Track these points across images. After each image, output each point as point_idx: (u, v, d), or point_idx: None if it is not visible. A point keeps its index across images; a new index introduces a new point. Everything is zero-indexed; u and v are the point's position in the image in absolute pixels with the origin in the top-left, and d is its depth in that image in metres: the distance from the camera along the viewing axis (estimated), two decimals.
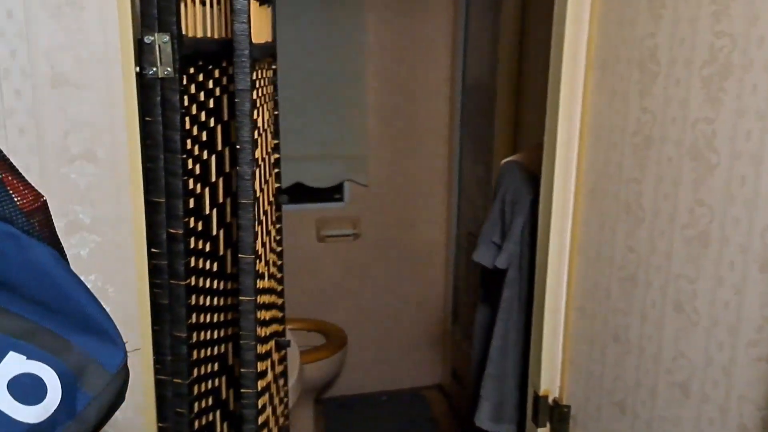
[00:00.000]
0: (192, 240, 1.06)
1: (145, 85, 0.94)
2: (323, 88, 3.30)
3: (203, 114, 1.08)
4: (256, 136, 1.25)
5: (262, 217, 1.22)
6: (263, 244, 1.23)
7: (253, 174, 0.97)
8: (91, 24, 0.91)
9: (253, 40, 1.18)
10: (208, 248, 1.13)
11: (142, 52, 0.93)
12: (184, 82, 0.99)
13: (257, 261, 1.03)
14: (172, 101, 0.94)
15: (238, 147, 0.95)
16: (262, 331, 1.19)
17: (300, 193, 3.46)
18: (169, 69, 0.93)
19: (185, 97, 1.00)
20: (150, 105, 0.95)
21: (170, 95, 0.94)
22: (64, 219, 1.01)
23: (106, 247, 1.03)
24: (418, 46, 3.36)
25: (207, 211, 1.12)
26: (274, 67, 1.48)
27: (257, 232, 1.07)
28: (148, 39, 0.91)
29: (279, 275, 1.60)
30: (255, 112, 1.15)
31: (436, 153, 3.50)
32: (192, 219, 1.06)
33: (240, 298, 0.99)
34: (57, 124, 0.94)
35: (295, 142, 3.33)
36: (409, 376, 3.77)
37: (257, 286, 1.02)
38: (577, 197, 1.23)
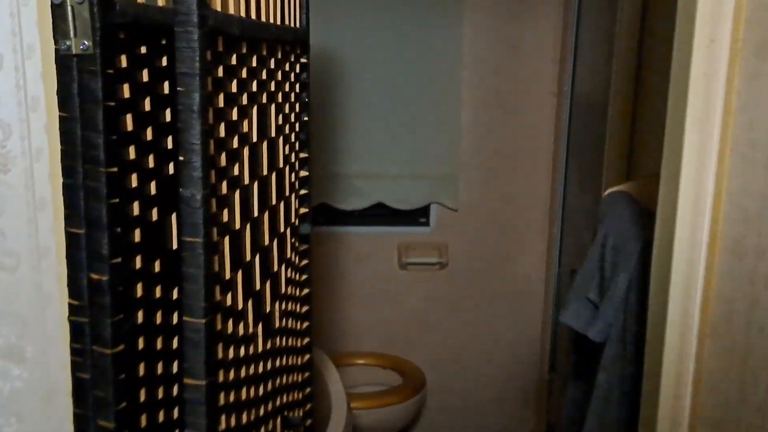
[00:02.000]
0: (139, 288, 0.76)
1: (59, 65, 0.66)
2: (411, 99, 2.98)
3: (167, 113, 0.78)
4: (252, 139, 0.94)
5: (262, 256, 0.91)
6: (272, 296, 0.92)
7: (205, 199, 0.65)
8: None
9: (242, 12, 0.88)
10: (172, 297, 0.82)
11: (55, 19, 0.64)
12: (123, 63, 0.69)
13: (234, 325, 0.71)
14: (91, 89, 0.65)
15: (180, 158, 0.64)
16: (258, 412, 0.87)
17: (381, 214, 3.15)
18: (86, 42, 0.64)
19: (125, 86, 0.70)
20: (65, 94, 0.66)
21: (88, 80, 0.65)
22: None
23: (20, 290, 0.76)
24: (520, 55, 2.97)
25: (174, 246, 0.82)
26: (303, 60, 1.17)
27: (231, 281, 0.75)
28: None
29: (301, 326, 1.26)
30: (238, 110, 0.84)
31: (537, 177, 3.08)
32: (139, 258, 0.75)
33: (184, 380, 0.67)
34: None
35: (377, 158, 3.03)
36: (497, 428, 3.32)
37: (238, 355, 0.71)
38: (713, 249, 0.82)
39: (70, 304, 0.72)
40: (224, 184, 0.78)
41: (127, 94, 0.71)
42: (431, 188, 3.09)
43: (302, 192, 1.17)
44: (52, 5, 0.64)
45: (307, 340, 1.33)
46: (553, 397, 3.08)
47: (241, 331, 0.84)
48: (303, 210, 1.18)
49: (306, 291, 1.31)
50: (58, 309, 0.74)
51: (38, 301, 0.74)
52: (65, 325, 0.73)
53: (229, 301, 0.80)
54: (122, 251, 0.73)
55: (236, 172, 0.82)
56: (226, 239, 0.79)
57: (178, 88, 0.64)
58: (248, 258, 0.87)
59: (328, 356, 2.21)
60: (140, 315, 0.78)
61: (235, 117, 0.81)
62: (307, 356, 1.26)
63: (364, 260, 3.18)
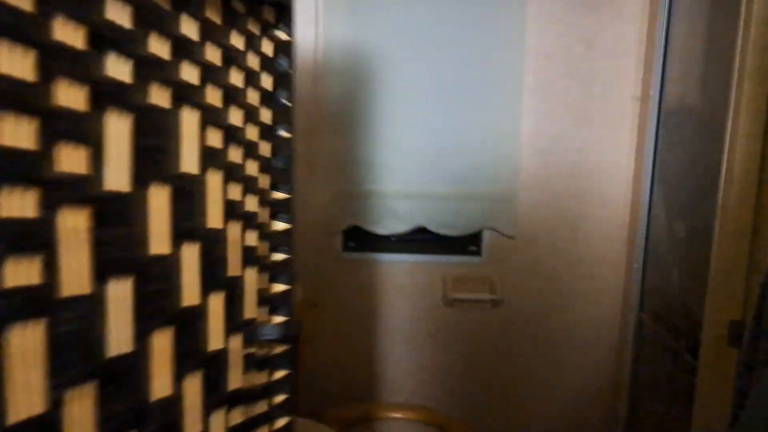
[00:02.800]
0: None
1: None
2: (461, 106, 2.49)
3: None
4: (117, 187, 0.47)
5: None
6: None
7: None
8: None
9: None
10: None
11: None
12: None
13: None
14: None
15: None
16: None
17: (424, 240, 2.67)
18: None
19: None
20: None
21: None
22: None
23: None
24: (595, 53, 2.44)
25: None
26: (280, 35, 0.70)
27: None
28: None
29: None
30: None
31: (613, 200, 2.54)
32: None
33: None
34: None
35: (419, 175, 2.56)
36: None
37: None
38: None
39: None
40: None
41: None
42: (484, 212, 2.59)
43: (278, 257, 0.70)
44: None
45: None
46: None
47: None
48: (280, 287, 0.70)
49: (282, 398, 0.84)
50: None
51: None
52: None
53: None
54: None
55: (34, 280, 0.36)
56: None
57: None
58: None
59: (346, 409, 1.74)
60: None
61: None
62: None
63: (404, 294, 2.70)
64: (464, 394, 2.74)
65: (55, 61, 0.39)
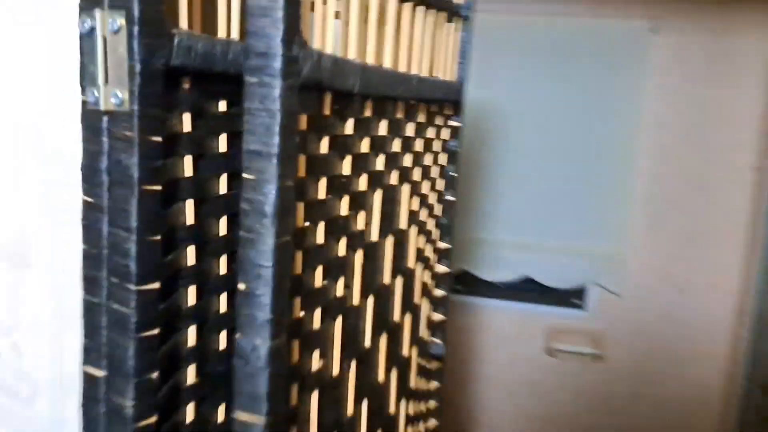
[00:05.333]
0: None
1: (84, 126, 0.44)
2: (575, 163, 2.61)
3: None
4: (371, 237, 0.67)
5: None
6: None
7: (275, 354, 0.39)
8: None
9: (368, 59, 0.62)
10: None
11: (82, 57, 0.42)
12: (184, 127, 0.46)
13: None
14: (124, 164, 0.42)
15: (240, 286, 0.39)
16: None
17: (529, 290, 2.78)
18: (120, 93, 0.41)
19: (184, 161, 0.47)
20: (90, 169, 0.44)
21: (121, 152, 0.42)
22: None
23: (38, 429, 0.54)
24: (714, 122, 2.50)
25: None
26: (454, 123, 0.89)
27: None
28: (84, 23, 0.41)
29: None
30: (351, 199, 0.58)
31: (725, 266, 2.55)
32: (191, 409, 0.51)
33: None
34: None
35: (530, 227, 2.68)
36: None
37: None
38: None
39: None
40: (317, 313, 0.52)
41: (188, 171, 0.47)
42: (591, 267, 2.67)
43: (438, 294, 0.88)
44: (80, 36, 0.42)
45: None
46: None
47: None
48: (438, 318, 0.89)
49: (432, 405, 1.01)
50: None
51: None
52: None
53: None
54: (157, 405, 0.48)
55: (338, 292, 0.56)
56: (314, 397, 0.53)
57: (244, 175, 0.40)
58: (350, 413, 0.60)
59: None
60: None
61: (344, 212, 0.55)
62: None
63: (507, 340, 2.81)
64: None
65: (358, 161, 0.59)
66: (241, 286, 0.41)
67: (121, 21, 0.40)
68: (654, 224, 2.59)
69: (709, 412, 2.63)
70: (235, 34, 0.51)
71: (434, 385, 0.91)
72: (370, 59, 0.56)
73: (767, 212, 2.41)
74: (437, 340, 0.89)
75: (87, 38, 0.41)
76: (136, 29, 0.40)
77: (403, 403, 0.76)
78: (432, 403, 0.92)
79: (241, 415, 0.41)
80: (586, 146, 2.60)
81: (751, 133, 2.49)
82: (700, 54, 2.48)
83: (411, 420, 0.83)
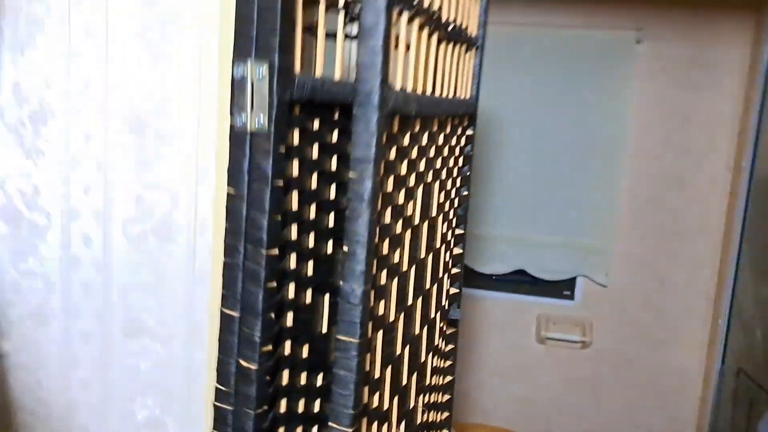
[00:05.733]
0: (285, 375, 0.70)
1: (232, 141, 0.63)
2: (565, 164, 2.82)
3: (331, 190, 0.73)
4: (415, 221, 0.87)
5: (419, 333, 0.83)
6: (416, 391, 0.83)
7: (366, 295, 0.59)
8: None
9: (419, 88, 0.82)
10: (316, 384, 0.76)
11: (233, 93, 0.61)
12: (294, 140, 0.65)
13: None
14: (261, 167, 0.61)
15: (345, 250, 0.58)
16: None
17: (521, 281, 2.98)
18: (262, 118, 0.60)
19: (294, 164, 0.66)
20: (235, 171, 0.63)
21: (260, 158, 0.61)
22: (126, 315, 0.73)
23: (172, 364, 0.73)
24: (693, 125, 2.72)
25: (323, 330, 0.76)
26: (469, 132, 1.10)
27: (380, 380, 0.67)
28: (238, 72, 0.60)
29: (441, 398, 1.15)
30: (405, 192, 0.77)
31: (703, 259, 2.77)
32: (288, 344, 0.70)
33: None
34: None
35: (523, 222, 2.89)
36: None
37: None
38: None
39: (216, 389, 0.68)
40: (384, 273, 0.72)
41: (295, 172, 0.67)
42: (580, 260, 2.89)
43: (455, 271, 1.08)
44: (233, 80, 0.61)
45: (446, 414, 1.22)
46: None
47: None
48: (454, 291, 1.09)
49: (449, 363, 1.22)
50: (204, 390, 0.70)
51: (186, 378, 0.71)
52: (210, 408, 0.68)
53: (375, 402, 0.73)
54: (273, 337, 0.67)
55: (396, 259, 0.75)
56: (380, 334, 0.72)
57: (351, 174, 0.59)
58: (398, 351, 0.80)
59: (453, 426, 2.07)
60: (283, 403, 0.72)
61: (401, 201, 0.75)
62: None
63: (500, 328, 3.02)
64: (552, 426, 2.99)
65: (410, 165, 0.80)
66: (346, 248, 0.60)
67: (264, 69, 0.60)
68: (637, 220, 2.81)
69: (688, 393, 2.85)
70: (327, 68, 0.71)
71: (450, 346, 1.11)
72: (418, 84, 0.75)
73: (742, 209, 2.63)
74: (454, 308, 1.09)
75: (238, 81, 0.61)
76: (276, 75, 0.59)
77: (430, 356, 0.96)
78: (448, 362, 1.12)
79: (342, 338, 0.61)
80: (576, 147, 2.80)
81: (727, 135, 2.70)
82: (681, 62, 2.70)
83: (434, 372, 1.03)
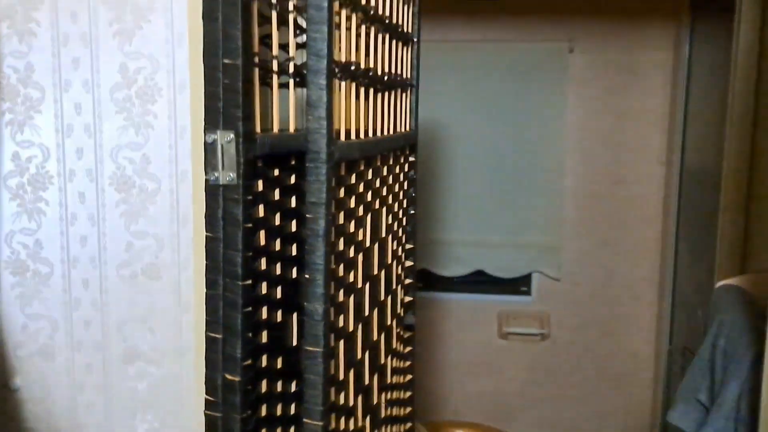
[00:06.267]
0: (263, 384, 0.84)
1: (207, 193, 0.76)
2: (513, 169, 3.01)
3: (292, 225, 0.87)
4: (366, 244, 1.02)
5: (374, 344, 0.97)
6: (379, 389, 0.97)
7: (326, 312, 0.72)
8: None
9: (362, 132, 0.96)
10: (290, 391, 0.90)
11: (206, 154, 0.75)
12: (259, 187, 0.79)
13: None
14: (233, 214, 0.74)
15: (306, 277, 0.72)
16: None
17: (481, 282, 3.16)
18: (231, 174, 0.74)
19: (260, 207, 0.79)
20: (211, 218, 0.76)
21: (231, 206, 0.74)
22: (123, 345, 0.85)
23: (165, 382, 0.86)
24: (626, 123, 2.94)
25: (293, 343, 0.90)
26: (411, 159, 1.25)
27: (344, 381, 0.81)
28: (209, 138, 0.73)
29: (404, 396, 1.30)
30: (355, 222, 0.92)
31: (645, 248, 2.99)
32: (265, 357, 0.83)
33: None
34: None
35: (479, 226, 3.07)
36: None
37: None
38: None
39: (206, 400, 0.80)
40: (341, 292, 0.86)
41: (261, 213, 0.80)
42: (533, 257, 3.08)
43: (408, 281, 1.23)
44: (205, 144, 0.74)
45: (409, 409, 1.36)
46: None
47: (351, 426, 0.90)
48: (408, 299, 1.23)
49: (408, 363, 1.36)
50: (195, 402, 0.83)
51: (179, 394, 0.83)
52: (201, 418, 0.81)
53: (342, 400, 0.86)
54: (252, 353, 0.81)
55: (351, 279, 0.89)
56: (341, 343, 0.86)
57: (307, 215, 0.73)
58: (359, 356, 0.94)
59: (423, 425, 2.22)
60: (264, 408, 0.85)
61: (352, 229, 0.89)
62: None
63: (464, 328, 3.18)
64: (518, 415, 3.17)
65: (357, 198, 0.95)
66: (307, 276, 0.74)
67: (231, 135, 0.73)
68: (582, 216, 3.01)
69: (642, 374, 3.06)
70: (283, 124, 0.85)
71: (408, 348, 1.26)
72: (361, 128, 0.90)
73: (676, 199, 2.85)
74: (409, 315, 1.24)
75: (210, 145, 0.74)
76: (241, 140, 0.73)
77: (389, 358, 1.10)
78: (407, 363, 1.26)
79: (309, 348, 0.74)
80: (520, 152, 2.99)
81: (657, 132, 2.92)
82: (611, 68, 2.91)
83: (394, 371, 1.17)
